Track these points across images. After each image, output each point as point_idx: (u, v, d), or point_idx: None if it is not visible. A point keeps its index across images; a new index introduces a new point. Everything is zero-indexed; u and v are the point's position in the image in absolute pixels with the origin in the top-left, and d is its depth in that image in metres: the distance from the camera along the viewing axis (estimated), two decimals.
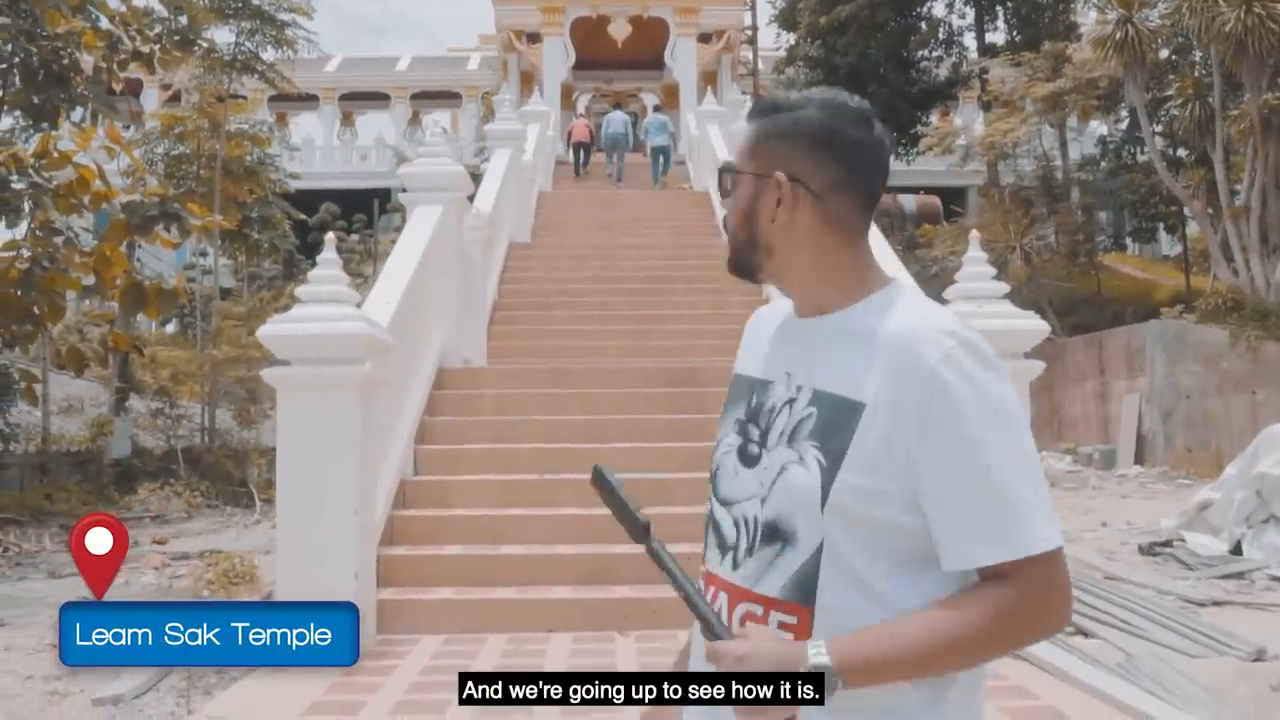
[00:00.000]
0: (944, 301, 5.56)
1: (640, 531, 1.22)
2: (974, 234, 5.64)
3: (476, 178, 10.06)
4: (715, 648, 1.15)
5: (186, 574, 7.72)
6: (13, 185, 11.80)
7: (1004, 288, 5.50)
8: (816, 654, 1.11)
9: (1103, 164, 24.09)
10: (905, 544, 1.20)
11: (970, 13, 27.67)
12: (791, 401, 1.27)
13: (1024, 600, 1.14)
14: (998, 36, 27.48)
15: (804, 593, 1.20)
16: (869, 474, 1.18)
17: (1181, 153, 21.39)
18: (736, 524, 1.29)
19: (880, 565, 1.20)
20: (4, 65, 11.72)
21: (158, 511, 12.72)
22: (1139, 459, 15.52)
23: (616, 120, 20.09)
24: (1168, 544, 7.83)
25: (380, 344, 5.35)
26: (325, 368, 5.01)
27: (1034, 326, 5.35)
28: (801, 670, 1.11)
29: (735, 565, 1.28)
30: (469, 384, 7.96)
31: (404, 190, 8.47)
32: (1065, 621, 1.20)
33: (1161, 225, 24.95)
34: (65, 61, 11.76)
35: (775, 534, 1.24)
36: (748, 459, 1.30)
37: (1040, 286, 19.57)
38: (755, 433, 1.30)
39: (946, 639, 1.14)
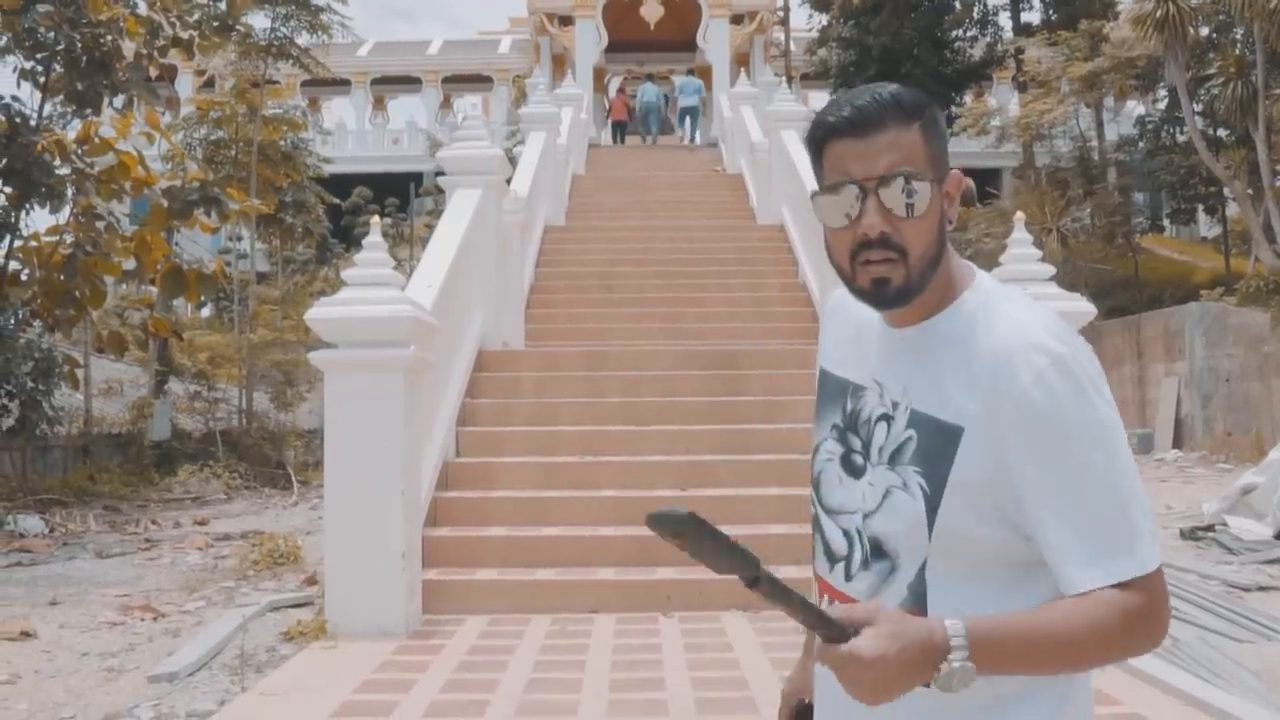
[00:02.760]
0: None
1: (752, 572, 1.01)
2: (1019, 215, 5.60)
3: (510, 160, 10.08)
4: (856, 645, 1.06)
5: (231, 554, 7.84)
6: (56, 171, 11.96)
7: (1049, 269, 5.46)
8: (957, 641, 1.08)
9: (1141, 144, 23.74)
10: (1010, 563, 1.20)
11: None
12: (889, 419, 1.25)
13: (1146, 609, 1.15)
14: (1033, 16, 27.15)
15: (919, 611, 1.20)
16: (973, 499, 1.18)
17: (1222, 133, 21.05)
18: (846, 535, 1.28)
19: (987, 586, 1.20)
20: (47, 52, 11.84)
21: (197, 493, 12.89)
22: (1177, 443, 15.36)
23: (650, 91, 22.88)
24: (1210, 528, 7.75)
25: (425, 327, 5.39)
26: (372, 350, 5.05)
27: (1080, 309, 5.31)
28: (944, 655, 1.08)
29: (848, 578, 1.27)
30: (508, 366, 8.00)
31: (440, 174, 8.50)
32: (1166, 633, 1.20)
33: (1201, 207, 24.58)
34: (106, 48, 11.87)
35: (884, 552, 1.23)
36: (852, 469, 1.28)
37: (1076, 269, 19.36)
38: (857, 443, 1.28)
39: (1075, 636, 1.13)
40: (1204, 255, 24.27)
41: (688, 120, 21.86)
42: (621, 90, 25.43)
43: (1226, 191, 20.01)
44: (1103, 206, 21.68)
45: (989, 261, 16.21)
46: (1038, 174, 23.45)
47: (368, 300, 5.08)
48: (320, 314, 5.11)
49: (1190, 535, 7.71)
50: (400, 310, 5.09)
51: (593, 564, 5.79)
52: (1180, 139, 22.14)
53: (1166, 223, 27.03)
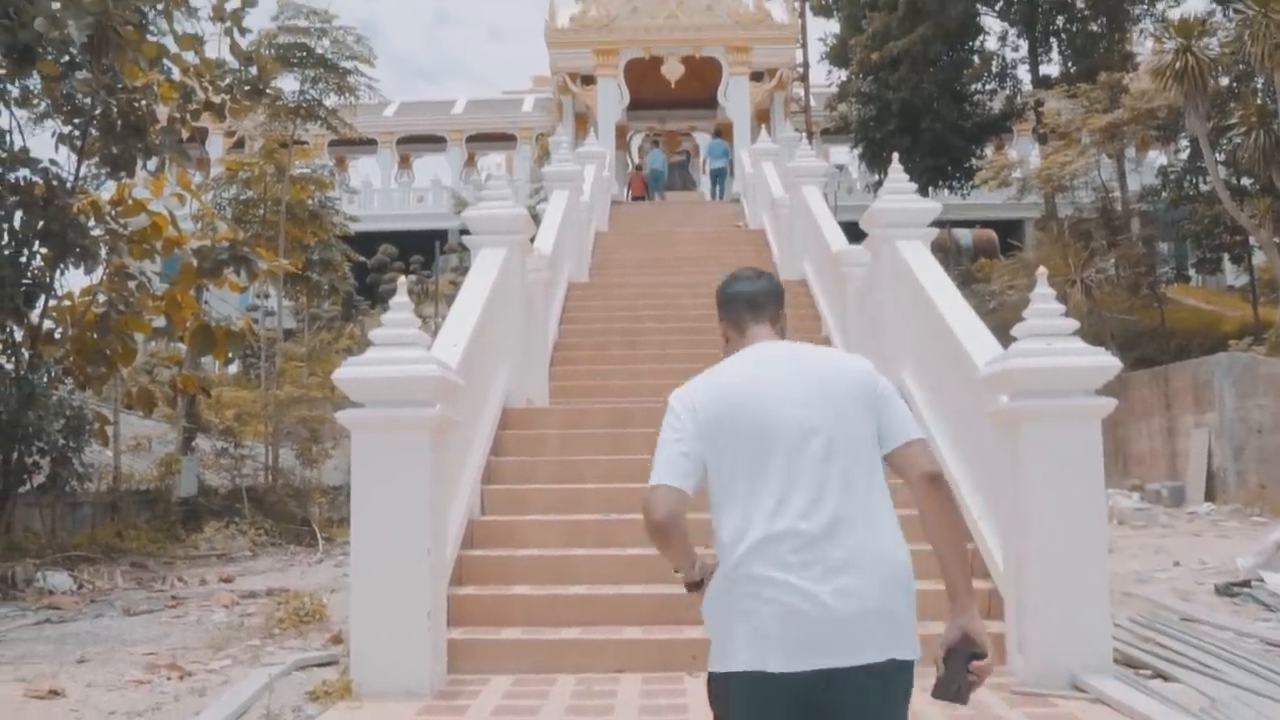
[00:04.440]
0: (1010, 339, 5.53)
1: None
2: (1041, 270, 5.60)
3: (534, 218, 10.21)
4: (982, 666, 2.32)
5: (257, 612, 7.85)
6: (91, 232, 12.20)
7: (1073, 324, 5.45)
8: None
9: (1163, 194, 23.74)
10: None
11: (1023, 45, 27.57)
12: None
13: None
14: (1052, 69, 27.33)
15: None
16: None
17: (1246, 181, 21.04)
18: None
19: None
20: (84, 117, 12.14)
21: (223, 550, 12.94)
22: (1209, 496, 15.15)
23: (656, 159, 24.60)
24: (1245, 584, 7.63)
25: (451, 386, 5.44)
26: (399, 410, 5.11)
27: (1105, 363, 5.30)
28: None
29: None
30: (533, 424, 8.05)
31: (464, 232, 8.62)
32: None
33: (1226, 256, 24.49)
34: (141, 113, 12.16)
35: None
36: None
37: (1102, 320, 19.29)
38: None
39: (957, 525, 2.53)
40: (1231, 304, 24.12)
41: (718, 182, 23.02)
42: (639, 167, 25.88)
43: (1252, 240, 19.93)
44: (1127, 257, 21.64)
45: (1013, 313, 16.16)
46: (1060, 225, 23.47)
47: (394, 360, 5.15)
48: (348, 374, 5.17)
49: (1225, 591, 7.59)
50: (426, 370, 5.15)
51: (618, 623, 5.77)
52: (1204, 188, 22.12)
53: (1192, 272, 26.91)
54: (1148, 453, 17.24)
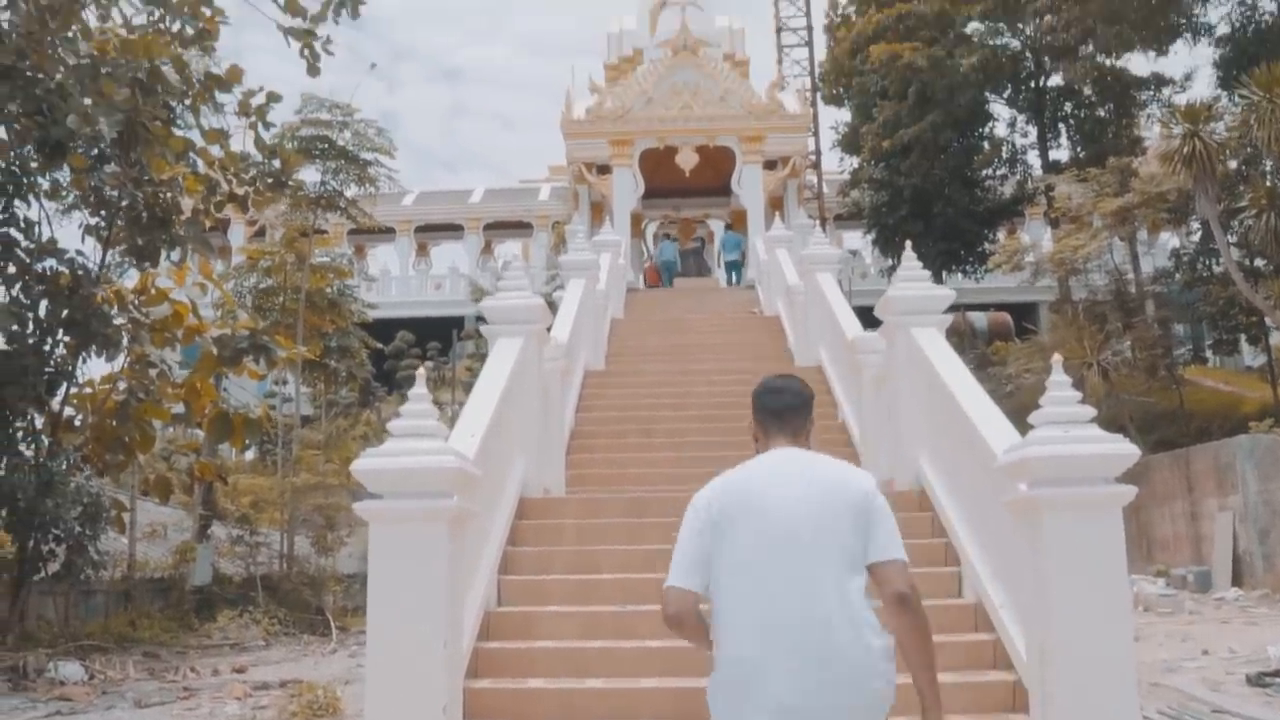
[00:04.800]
0: (1028, 423, 5.51)
1: None
2: (1056, 358, 5.60)
3: (551, 305, 10.31)
4: None
5: (270, 705, 7.77)
6: (113, 321, 12.39)
7: (1090, 411, 5.44)
8: None
9: (1177, 276, 23.81)
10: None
11: (1032, 131, 27.99)
12: None
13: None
14: (1061, 154, 27.71)
15: None
16: None
17: (1259, 263, 21.10)
18: None
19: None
20: (111, 209, 12.41)
21: (236, 639, 12.85)
22: (1236, 581, 14.90)
23: (667, 250, 25.75)
24: (1277, 674, 7.47)
25: (469, 477, 5.45)
26: (416, 501, 5.11)
27: (1124, 451, 5.27)
28: None
29: None
30: (550, 514, 8.02)
31: (480, 319, 8.71)
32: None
33: (1243, 336, 24.44)
34: (166, 204, 12.43)
35: None
36: None
37: (1120, 402, 19.20)
38: None
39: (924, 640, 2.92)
40: (1250, 385, 23.99)
41: (733, 273, 23.79)
42: (652, 258, 26.33)
43: (1268, 321, 19.90)
44: (1142, 339, 21.62)
45: (1030, 396, 16.10)
46: (1075, 308, 23.53)
47: (412, 451, 5.17)
48: (366, 465, 5.19)
49: (1257, 681, 7.43)
50: (444, 461, 5.16)
51: (636, 716, 5.68)
52: (1217, 270, 22.19)
53: (1209, 353, 26.85)
54: (1171, 537, 17.01)
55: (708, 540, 2.81)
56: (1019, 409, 8.21)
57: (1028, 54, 27.73)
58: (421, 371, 5.60)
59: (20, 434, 12.00)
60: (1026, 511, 5.26)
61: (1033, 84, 27.85)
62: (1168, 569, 15.99)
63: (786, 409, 3.07)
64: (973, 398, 6.67)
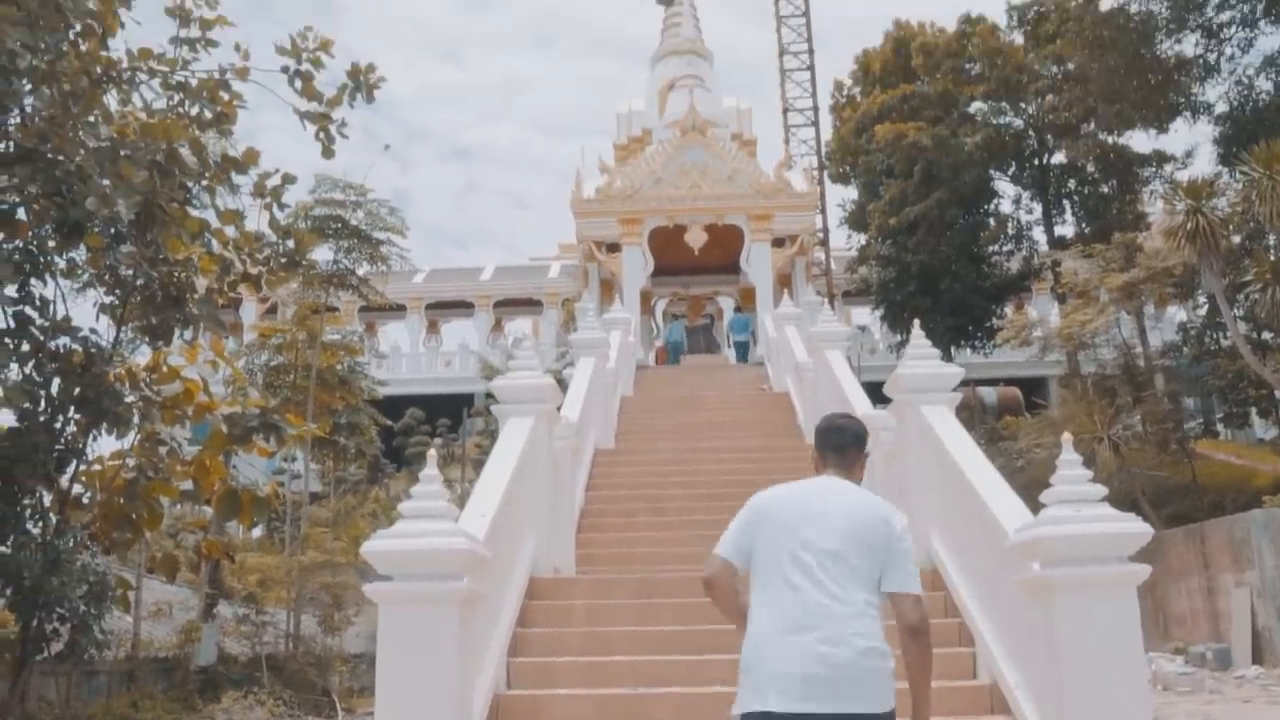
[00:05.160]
0: (1040, 510, 5.49)
1: None
2: (1066, 436, 5.61)
3: (560, 382, 10.36)
4: None
5: None
6: (125, 399, 12.43)
7: (1101, 490, 5.43)
8: None
9: (1185, 350, 23.83)
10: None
11: (1037, 208, 28.29)
12: None
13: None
14: (1066, 229, 27.98)
15: None
16: None
17: (1267, 335, 21.12)
18: None
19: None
20: (126, 288, 12.54)
21: None
22: (1256, 658, 14.63)
23: (675, 331, 26.11)
24: None
25: (479, 559, 5.44)
26: (426, 583, 5.10)
27: (1136, 530, 5.25)
28: None
29: None
30: (560, 594, 7.96)
31: (490, 396, 8.75)
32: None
33: (1254, 410, 24.36)
34: (180, 284, 12.56)
35: None
36: None
37: (1132, 476, 19.08)
38: None
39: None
40: (1263, 458, 23.82)
41: (739, 352, 24.07)
42: (661, 350, 26.46)
43: (1278, 394, 19.86)
44: (1153, 413, 21.55)
45: (1041, 470, 16.01)
46: (1084, 382, 23.50)
47: (423, 533, 5.17)
48: (376, 546, 5.19)
49: None
50: (454, 543, 5.16)
51: None
52: (1225, 343, 22.21)
53: (1220, 426, 26.73)
54: (1188, 613, 16.75)
55: (753, 533, 3.44)
56: (1030, 484, 8.18)
57: (1030, 132, 28.16)
58: (432, 453, 5.62)
59: (28, 511, 11.98)
60: (1040, 591, 5.23)
61: (1036, 161, 28.23)
62: (1186, 646, 15.72)
63: (846, 445, 3.69)
64: (984, 476, 6.66)
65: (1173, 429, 21.71)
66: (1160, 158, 27.07)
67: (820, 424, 3.81)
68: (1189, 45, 23.51)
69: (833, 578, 3.23)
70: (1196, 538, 16.72)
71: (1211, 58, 23.45)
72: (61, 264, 12.76)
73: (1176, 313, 28.79)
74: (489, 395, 9.02)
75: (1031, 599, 5.37)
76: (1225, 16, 23.17)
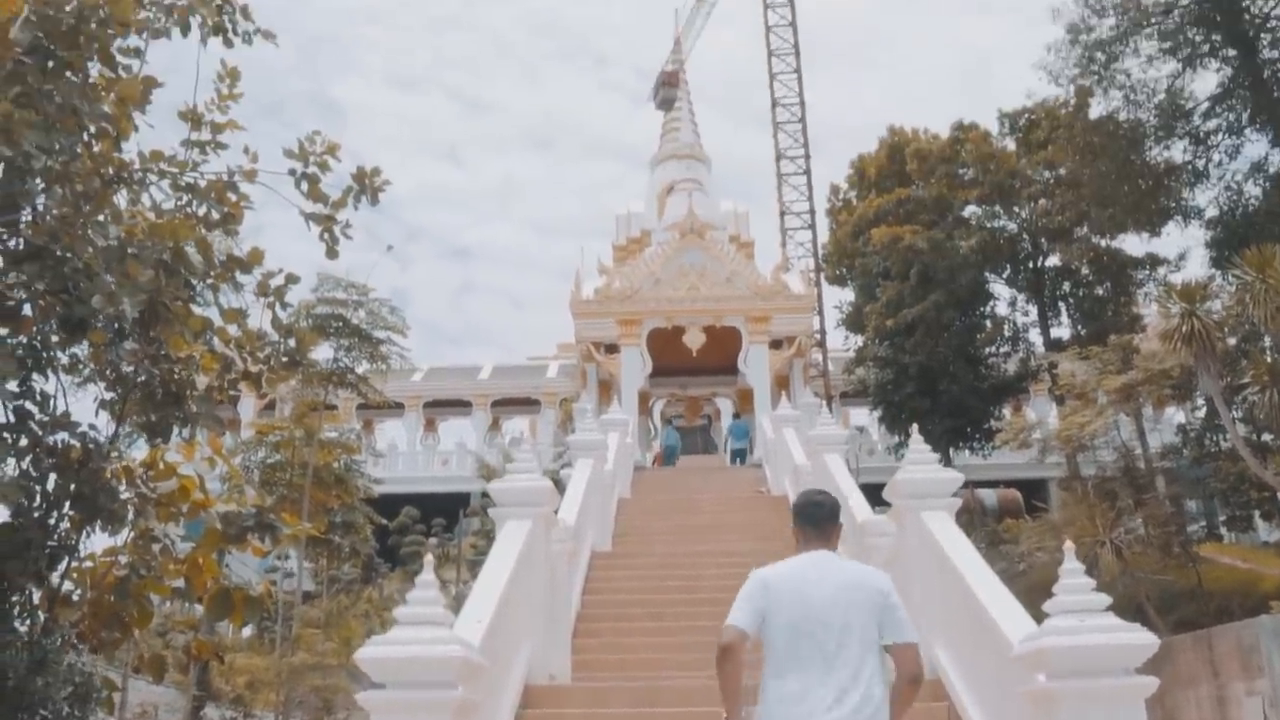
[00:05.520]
0: (1043, 615, 5.42)
1: None
2: (1069, 545, 5.57)
3: (557, 483, 10.30)
4: None
5: None
6: (120, 496, 12.37)
7: (1105, 599, 5.36)
8: None
9: (1185, 451, 23.77)
10: None
11: (1033, 309, 28.57)
12: None
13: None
14: (1062, 331, 28.19)
15: None
16: None
17: (1267, 437, 21.08)
18: None
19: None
20: (126, 385, 12.56)
21: None
22: None
23: (670, 436, 26.25)
24: None
25: (474, 667, 5.34)
26: (420, 692, 5.00)
27: (1142, 641, 5.16)
28: None
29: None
30: (556, 703, 7.78)
31: (485, 495, 8.69)
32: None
33: (1257, 512, 24.18)
34: (181, 381, 12.60)
35: None
36: None
37: (1136, 581, 18.83)
38: None
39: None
40: (1268, 562, 23.54)
41: (738, 459, 23.57)
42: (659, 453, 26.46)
43: None
44: (1154, 516, 21.36)
45: (1042, 574, 15.81)
46: (1084, 485, 23.37)
47: (417, 640, 5.09)
48: (370, 654, 5.11)
49: None
50: (449, 651, 5.08)
51: None
52: (1225, 445, 22.15)
53: (1223, 529, 26.51)
54: None
55: (762, 604, 3.83)
56: (1031, 588, 8.07)
57: (1025, 236, 28.60)
58: (429, 557, 5.57)
59: (16, 609, 11.79)
60: (1045, 703, 5.14)
61: (1031, 264, 28.61)
62: None
63: (823, 520, 4.11)
64: (986, 583, 6.59)
65: (1175, 532, 21.50)
66: (1153, 260, 27.44)
67: (798, 501, 4.23)
68: (1178, 152, 24.05)
69: (843, 646, 3.71)
70: (1204, 645, 16.40)
71: (1200, 164, 23.96)
72: (64, 360, 12.84)
73: (1175, 414, 28.84)
74: (485, 495, 8.97)
75: (1037, 710, 5.26)
76: (1212, 124, 23.77)
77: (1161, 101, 23.42)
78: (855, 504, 10.24)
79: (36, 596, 12.19)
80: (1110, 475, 23.17)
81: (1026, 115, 28.36)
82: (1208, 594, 20.05)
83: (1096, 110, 24.16)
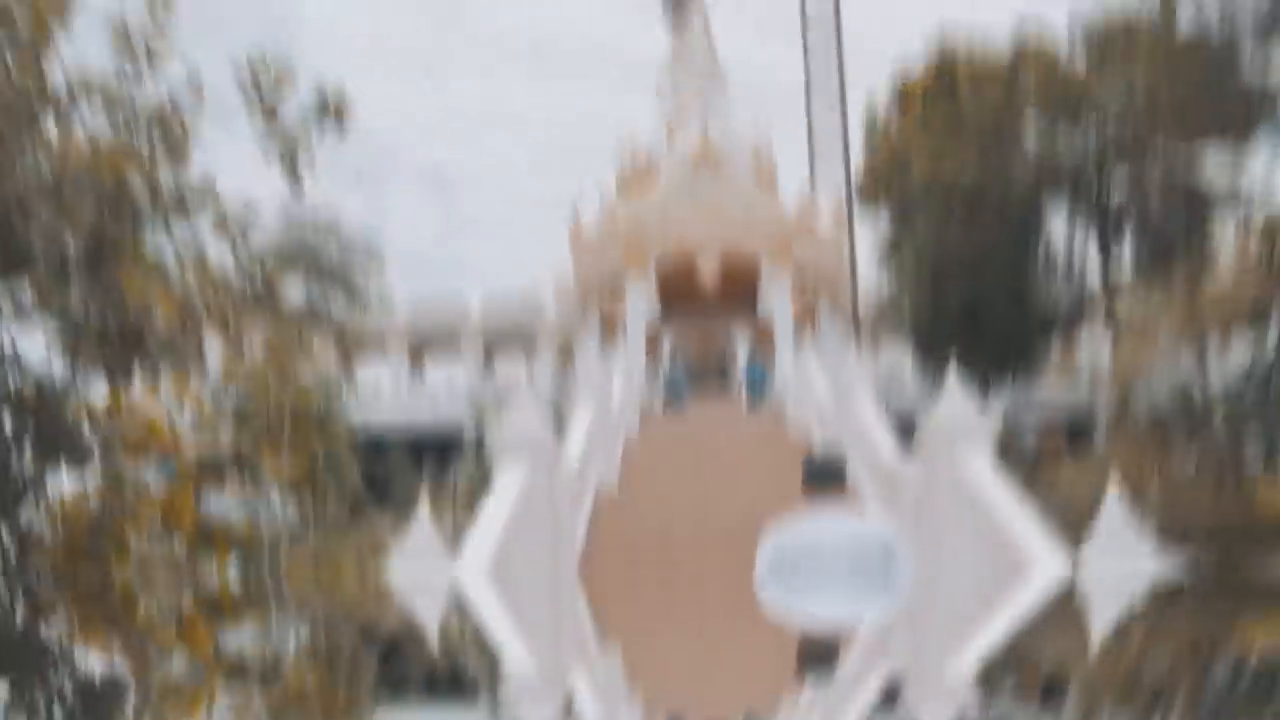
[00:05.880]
0: (1079, 538, 5.56)
1: None
2: (1114, 477, 5.70)
3: (558, 426, 10.42)
4: None
5: None
6: (84, 437, 12.58)
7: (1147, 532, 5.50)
8: None
9: (1250, 385, 23.72)
10: None
11: (1092, 248, 28.22)
12: None
13: None
14: (1123, 270, 27.93)
15: None
16: None
17: None
18: None
19: None
20: (78, 328, 12.68)
21: None
22: None
23: (676, 371, 24.94)
24: None
25: None
26: None
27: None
28: None
29: None
30: None
31: (480, 433, 8.83)
32: None
33: None
34: (138, 324, 12.72)
35: None
36: None
37: (1185, 515, 18.94)
38: None
39: None
40: None
41: (754, 396, 23.09)
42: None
43: None
44: (1210, 451, 21.44)
45: (1086, 511, 15.89)
46: (1136, 421, 23.39)
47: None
48: None
49: None
50: None
51: None
52: None
53: None
54: None
55: None
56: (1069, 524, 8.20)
57: (1089, 163, 27.99)
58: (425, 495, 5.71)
59: None
60: None
61: (1095, 195, 28.11)
62: None
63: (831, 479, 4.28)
64: (1018, 519, 6.70)
65: (1231, 467, 21.55)
66: (1230, 193, 26.97)
67: (808, 463, 4.85)
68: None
69: None
70: None
71: None
72: (8, 306, 12.89)
73: (1238, 350, 28.73)
74: (479, 433, 9.11)
75: None
76: None
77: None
78: (883, 445, 10.36)
79: (6, 538, 12.46)
80: (1165, 411, 23.18)
81: (1101, 28, 27.56)
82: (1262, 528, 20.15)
83: (1185, 20, 23.66)
